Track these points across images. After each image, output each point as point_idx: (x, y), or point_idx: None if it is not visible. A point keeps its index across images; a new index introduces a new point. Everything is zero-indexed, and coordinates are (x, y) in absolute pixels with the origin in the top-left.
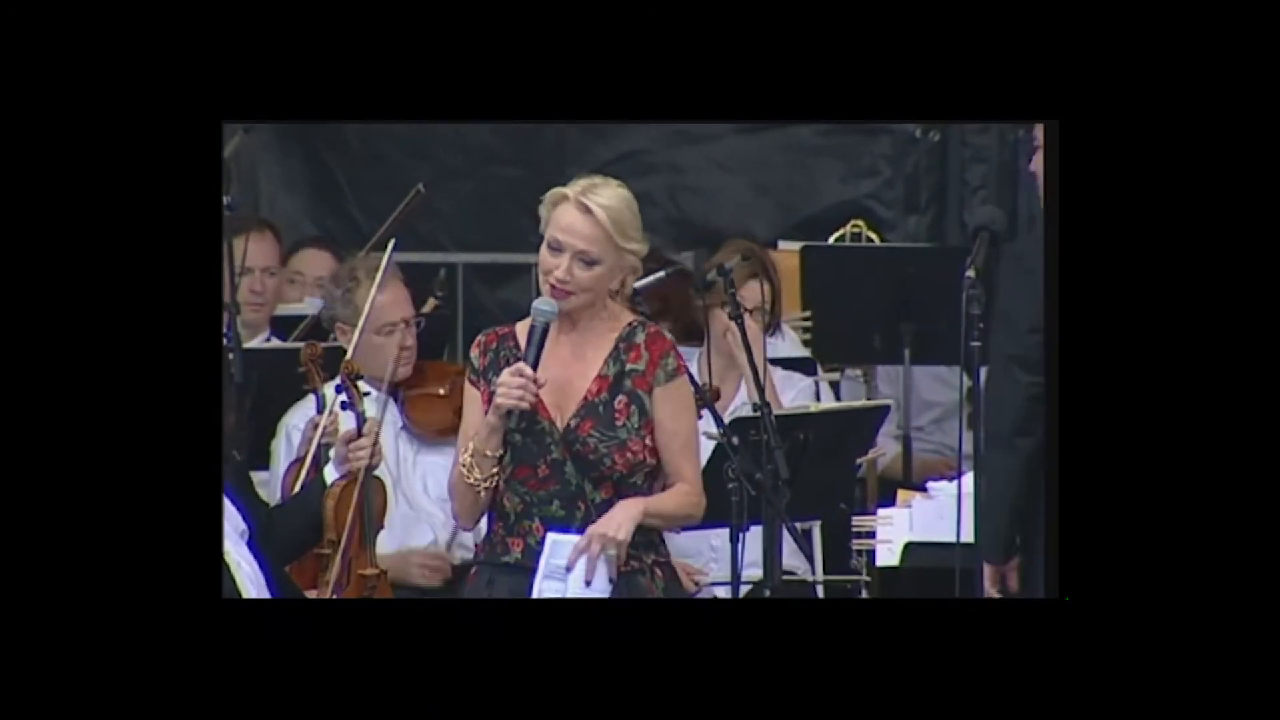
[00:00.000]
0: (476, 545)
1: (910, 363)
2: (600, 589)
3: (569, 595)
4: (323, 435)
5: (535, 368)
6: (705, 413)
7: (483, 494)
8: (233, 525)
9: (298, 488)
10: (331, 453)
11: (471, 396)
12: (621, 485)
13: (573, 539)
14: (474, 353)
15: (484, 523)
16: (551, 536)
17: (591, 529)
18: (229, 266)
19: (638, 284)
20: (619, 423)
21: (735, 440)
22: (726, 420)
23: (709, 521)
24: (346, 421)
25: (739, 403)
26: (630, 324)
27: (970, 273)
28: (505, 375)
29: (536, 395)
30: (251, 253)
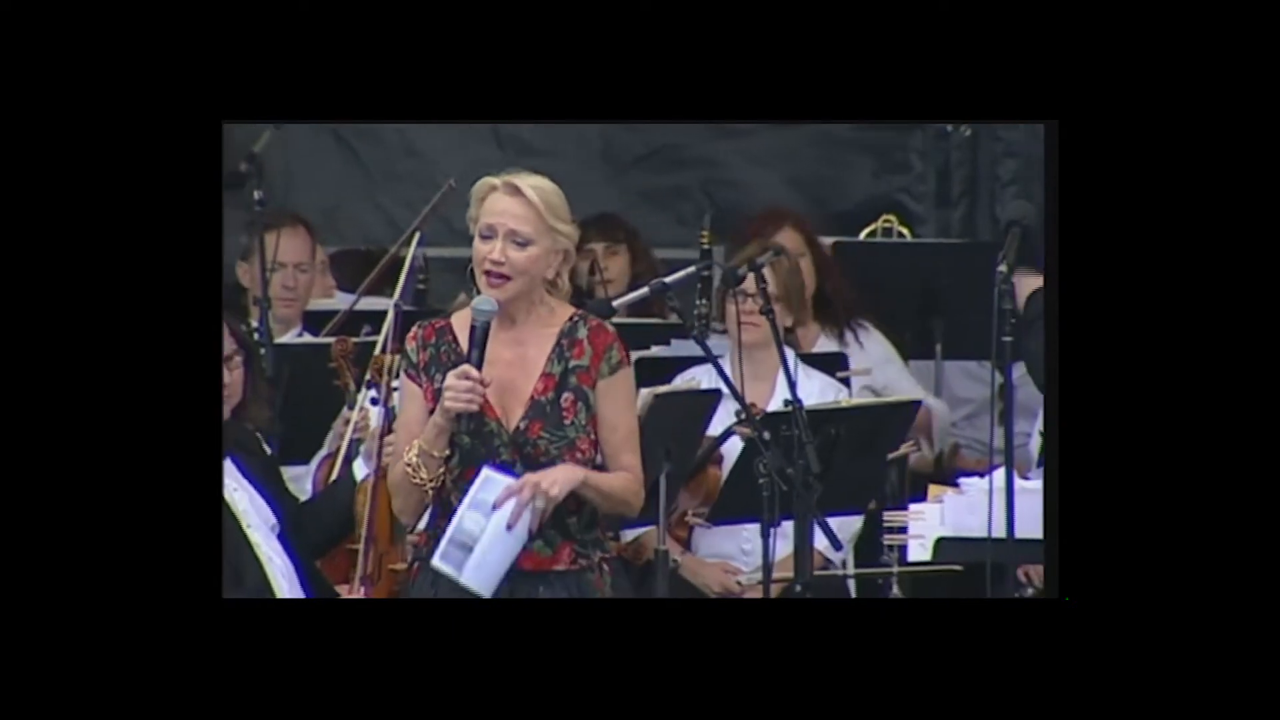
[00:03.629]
0: (418, 539)
1: (942, 358)
2: (518, 536)
3: (485, 533)
4: (354, 431)
5: (479, 368)
6: (732, 410)
7: (429, 493)
8: (263, 519)
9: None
10: (361, 448)
11: (411, 392)
12: None
13: (507, 480)
14: (410, 345)
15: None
16: (487, 471)
17: (528, 476)
18: (260, 261)
19: (668, 279)
20: (567, 421)
21: (766, 435)
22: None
23: (741, 516)
24: (376, 417)
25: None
26: (571, 318)
27: (1002, 268)
28: (451, 379)
29: (483, 396)
30: (283, 248)
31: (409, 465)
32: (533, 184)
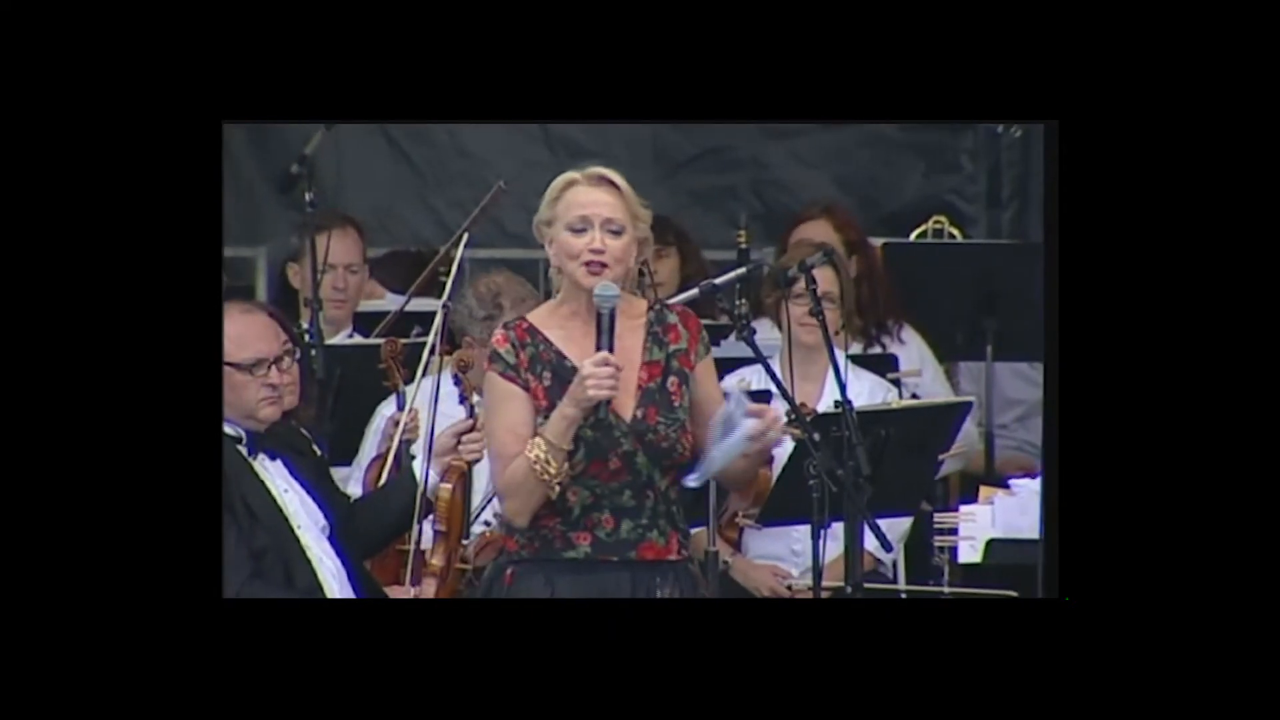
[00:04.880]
0: (507, 542)
1: (993, 359)
2: (743, 448)
3: (741, 428)
4: (404, 432)
5: (612, 353)
6: (780, 410)
7: (556, 489)
8: (313, 520)
9: (382, 483)
10: (413, 448)
11: (510, 392)
12: (679, 469)
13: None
14: (503, 347)
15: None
16: (735, 397)
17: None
18: (311, 263)
19: (718, 280)
20: (676, 404)
21: (816, 436)
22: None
23: (790, 518)
24: (444, 415)
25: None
26: (652, 307)
27: None
28: (589, 366)
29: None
30: (334, 250)
31: (536, 462)
32: (615, 173)
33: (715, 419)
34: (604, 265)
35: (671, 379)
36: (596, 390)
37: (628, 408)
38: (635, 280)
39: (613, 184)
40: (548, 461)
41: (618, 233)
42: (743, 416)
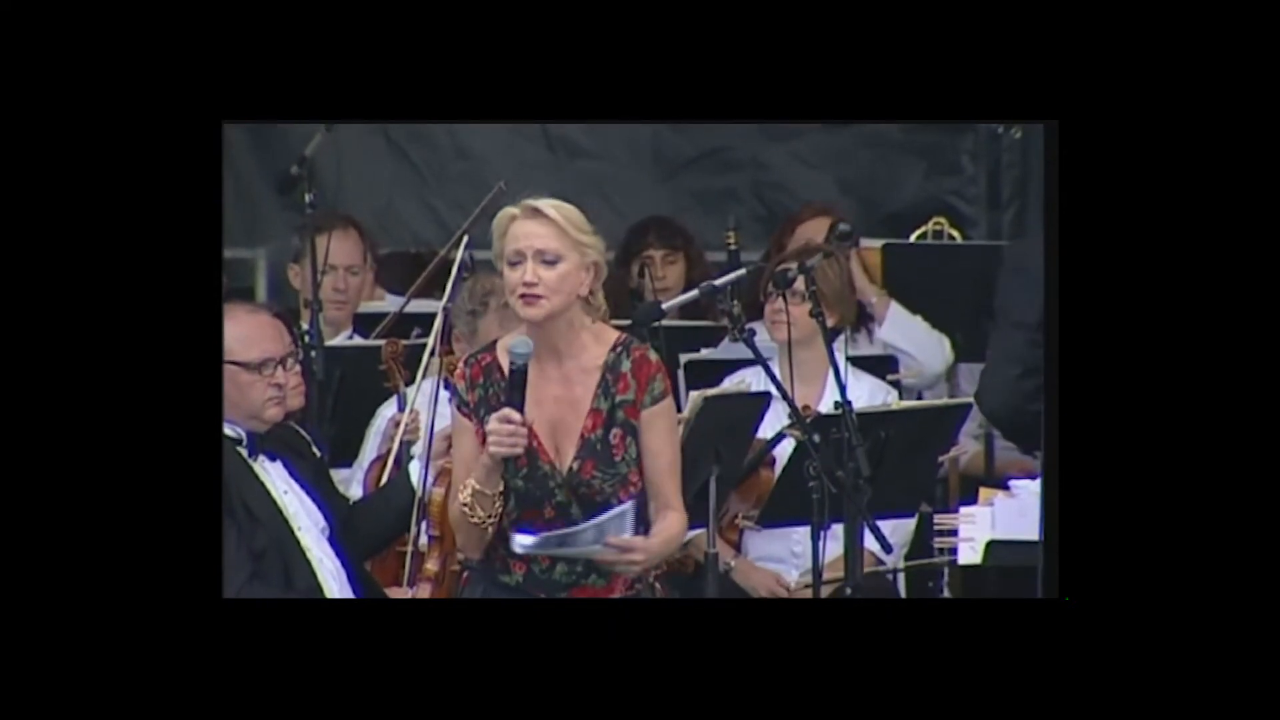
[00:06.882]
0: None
1: None
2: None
3: (580, 545)
4: (404, 433)
5: (521, 410)
6: (781, 412)
7: (489, 530)
8: (313, 521)
9: (383, 483)
10: (413, 449)
11: (464, 427)
12: None
13: (628, 532)
14: (460, 384)
15: None
16: (629, 513)
17: (640, 550)
18: (311, 264)
19: (717, 281)
20: (617, 457)
21: (816, 438)
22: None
23: (791, 519)
24: (444, 418)
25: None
26: (615, 348)
27: None
28: (494, 423)
29: (533, 437)
30: (334, 251)
31: (464, 505)
32: (551, 203)
33: (537, 542)
34: (538, 296)
35: (615, 430)
36: (497, 448)
37: (567, 457)
38: (602, 309)
39: (544, 214)
40: (474, 506)
41: (552, 262)
42: (596, 542)
